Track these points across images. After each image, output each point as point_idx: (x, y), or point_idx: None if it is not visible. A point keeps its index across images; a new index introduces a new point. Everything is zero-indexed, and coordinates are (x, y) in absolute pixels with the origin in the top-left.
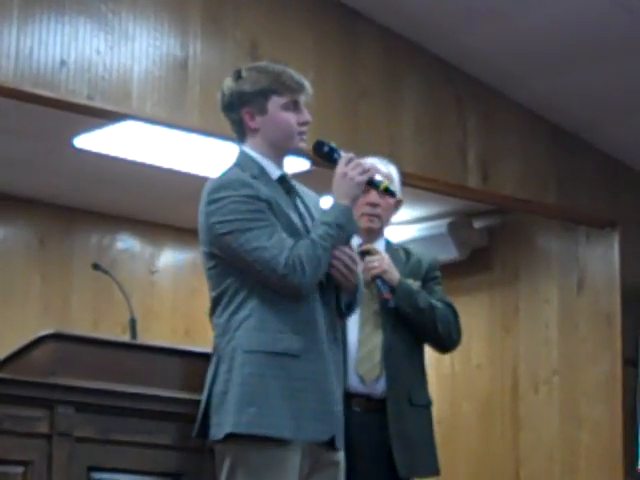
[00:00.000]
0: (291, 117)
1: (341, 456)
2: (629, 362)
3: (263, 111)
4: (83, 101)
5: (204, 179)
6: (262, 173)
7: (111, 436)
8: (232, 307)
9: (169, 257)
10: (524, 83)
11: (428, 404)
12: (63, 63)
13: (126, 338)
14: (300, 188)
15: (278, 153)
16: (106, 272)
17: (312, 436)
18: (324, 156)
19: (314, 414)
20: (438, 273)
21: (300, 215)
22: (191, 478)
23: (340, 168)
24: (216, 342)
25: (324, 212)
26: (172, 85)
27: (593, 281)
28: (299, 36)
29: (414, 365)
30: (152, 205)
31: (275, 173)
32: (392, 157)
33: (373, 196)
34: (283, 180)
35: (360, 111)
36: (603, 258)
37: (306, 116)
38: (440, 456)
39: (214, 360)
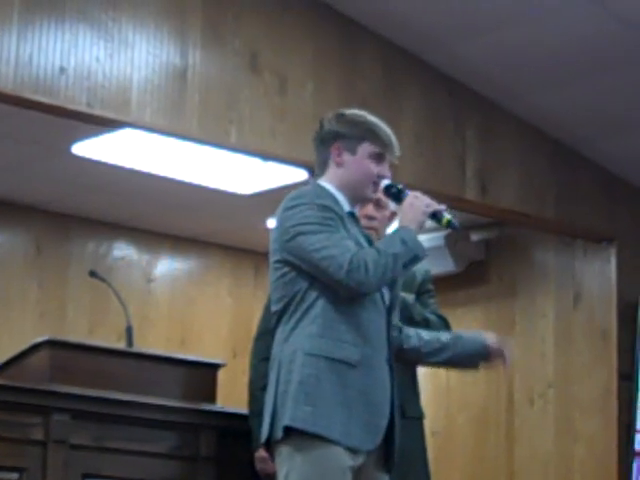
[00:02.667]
0: (374, 167)
1: (385, 475)
2: (624, 377)
3: (352, 151)
4: (82, 108)
5: (202, 188)
6: (336, 203)
7: (106, 443)
8: (298, 314)
9: (166, 265)
10: (523, 97)
11: (421, 417)
12: (62, 70)
13: (122, 346)
14: None
15: (352, 195)
16: (103, 280)
17: (358, 444)
18: (392, 196)
19: (362, 423)
20: (431, 286)
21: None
22: None
23: (408, 200)
24: (276, 350)
25: (389, 234)
26: (171, 93)
27: (589, 295)
28: (299, 46)
29: (407, 377)
30: (150, 213)
31: (346, 208)
32: (391, 168)
33: (370, 209)
34: (352, 215)
35: None
36: (600, 273)
37: (387, 172)
38: (435, 468)
39: (274, 366)
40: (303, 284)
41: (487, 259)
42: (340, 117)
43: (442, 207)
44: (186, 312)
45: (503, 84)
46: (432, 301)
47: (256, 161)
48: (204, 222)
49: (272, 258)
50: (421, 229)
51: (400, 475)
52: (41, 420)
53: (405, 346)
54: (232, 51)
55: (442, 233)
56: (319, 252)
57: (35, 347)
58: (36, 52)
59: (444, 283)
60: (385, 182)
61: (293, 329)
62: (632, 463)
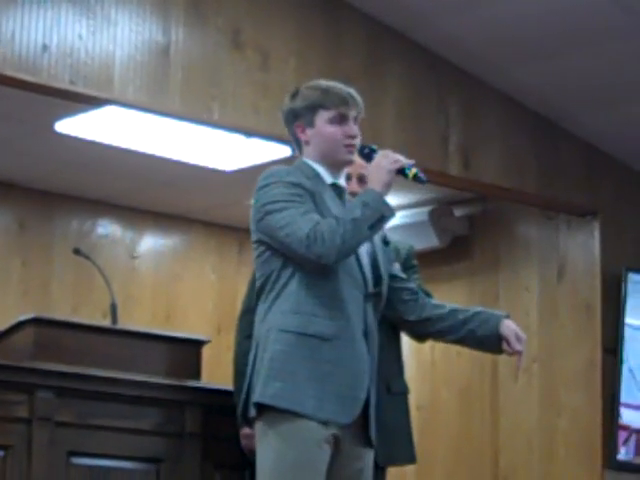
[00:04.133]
0: (336, 130)
1: (367, 452)
2: (609, 350)
3: (312, 124)
4: (65, 86)
5: (185, 165)
6: (316, 176)
7: (91, 421)
8: (274, 293)
9: (150, 243)
10: (506, 71)
11: (405, 392)
12: (45, 48)
13: (106, 323)
14: None
15: (330, 164)
16: (87, 257)
17: (332, 417)
18: (366, 157)
19: (337, 397)
20: (415, 261)
21: None
22: (171, 463)
23: (375, 161)
24: (255, 329)
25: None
26: (154, 71)
27: (573, 269)
28: (282, 23)
29: (392, 353)
30: (133, 190)
31: (329, 179)
32: (374, 144)
33: (353, 184)
34: (336, 186)
35: None
36: (583, 246)
37: (353, 129)
38: (419, 443)
39: (253, 345)
40: (278, 262)
41: (471, 234)
42: (293, 96)
43: (410, 162)
44: (170, 289)
45: (485, 59)
46: (416, 276)
47: (239, 137)
48: (188, 199)
49: (252, 238)
50: (389, 187)
51: (385, 450)
52: (26, 398)
53: (415, 318)
54: (214, 28)
55: (426, 209)
56: (283, 229)
57: (19, 325)
58: (18, 30)
59: (428, 258)
60: (358, 144)
61: (269, 308)
62: (616, 436)
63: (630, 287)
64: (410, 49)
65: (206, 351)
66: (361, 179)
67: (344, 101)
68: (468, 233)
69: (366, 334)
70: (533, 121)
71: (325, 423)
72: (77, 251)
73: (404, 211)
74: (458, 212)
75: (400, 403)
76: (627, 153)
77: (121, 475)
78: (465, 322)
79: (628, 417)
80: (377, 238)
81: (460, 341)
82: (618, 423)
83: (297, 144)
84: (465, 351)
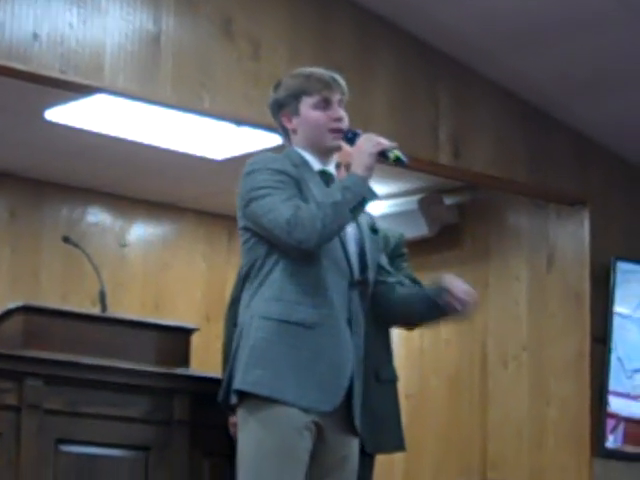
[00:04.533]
0: (321, 116)
1: (350, 440)
2: (598, 339)
3: (297, 113)
4: (55, 74)
5: (175, 153)
6: (304, 164)
7: (80, 409)
8: (259, 280)
9: (139, 231)
10: (497, 60)
11: (394, 379)
12: (35, 36)
13: (96, 311)
14: None
15: (318, 150)
16: (76, 245)
17: (314, 405)
18: (349, 141)
19: (319, 385)
20: (405, 249)
21: None
22: (160, 451)
23: (357, 144)
24: (240, 315)
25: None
26: (144, 59)
27: (563, 258)
28: (272, 12)
29: (381, 341)
30: (123, 179)
31: (317, 166)
32: (364, 132)
33: (342, 173)
34: (324, 173)
35: None
36: (573, 235)
37: (337, 112)
38: (408, 431)
39: (237, 332)
40: (263, 250)
41: (460, 223)
42: (276, 87)
43: (393, 144)
44: (160, 277)
45: (477, 48)
46: (406, 265)
47: (230, 126)
48: (178, 187)
49: (238, 225)
50: (371, 170)
51: (374, 438)
52: (15, 385)
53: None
54: (205, 17)
55: (415, 197)
56: (266, 215)
57: (8, 313)
58: (9, 19)
59: (418, 247)
60: (345, 126)
61: (253, 295)
62: (604, 424)
63: (619, 276)
64: (401, 38)
65: (195, 339)
66: (349, 167)
67: (327, 85)
68: (458, 222)
69: (350, 322)
70: (524, 110)
71: (306, 411)
72: (66, 239)
73: (394, 199)
74: (448, 201)
75: (389, 391)
76: (617, 142)
77: (109, 463)
78: (418, 293)
79: (616, 405)
80: (365, 226)
81: (418, 311)
82: (606, 411)
83: (285, 134)
84: (454, 339)
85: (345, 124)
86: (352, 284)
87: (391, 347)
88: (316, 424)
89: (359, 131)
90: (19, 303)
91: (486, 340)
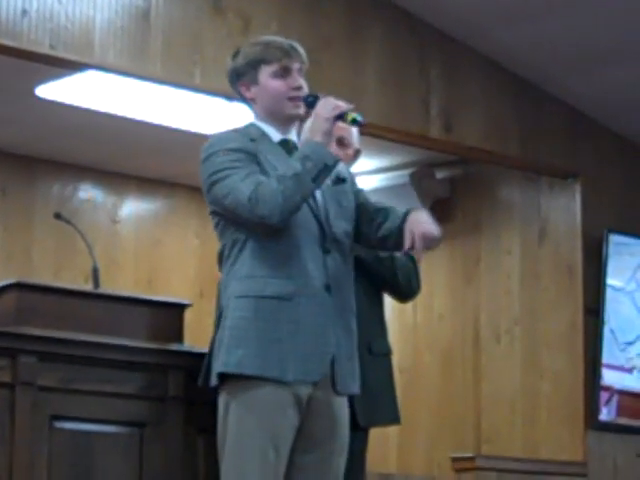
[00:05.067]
0: (280, 84)
1: (338, 405)
2: (591, 312)
3: (256, 81)
4: (45, 51)
5: (166, 129)
6: (263, 136)
7: (74, 385)
8: (231, 260)
9: (132, 207)
10: (488, 34)
11: (388, 353)
12: (25, 13)
13: (89, 288)
14: None
15: (278, 119)
16: (68, 222)
17: (300, 376)
18: (309, 105)
19: (303, 356)
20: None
21: None
22: (154, 427)
23: (314, 110)
24: (220, 297)
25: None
26: (134, 35)
27: (555, 231)
28: None
29: (374, 314)
30: (114, 155)
31: (277, 137)
32: (356, 107)
33: (333, 148)
34: (285, 143)
35: (324, 62)
36: (565, 208)
37: (297, 81)
38: (401, 406)
39: (217, 315)
40: (232, 230)
41: (452, 197)
42: (234, 55)
43: (349, 106)
44: (153, 253)
45: (468, 22)
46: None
47: (221, 101)
48: (169, 163)
49: (208, 210)
50: (329, 135)
51: (368, 412)
52: (8, 362)
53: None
54: None
55: (407, 171)
56: (227, 197)
57: (1, 290)
58: None
59: None
60: (303, 94)
61: (228, 276)
62: (598, 397)
63: (611, 248)
64: (391, 12)
65: (188, 315)
66: (340, 141)
67: (286, 53)
68: (450, 196)
69: (329, 287)
70: (515, 84)
71: (293, 384)
72: (58, 216)
73: (385, 174)
74: (439, 174)
75: (382, 364)
76: (608, 116)
77: (104, 439)
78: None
79: (610, 378)
80: (327, 182)
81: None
82: (600, 384)
83: (247, 105)
84: (447, 314)
85: (304, 92)
86: (326, 249)
87: (384, 320)
88: (303, 398)
89: (319, 95)
90: (11, 280)
91: (479, 314)
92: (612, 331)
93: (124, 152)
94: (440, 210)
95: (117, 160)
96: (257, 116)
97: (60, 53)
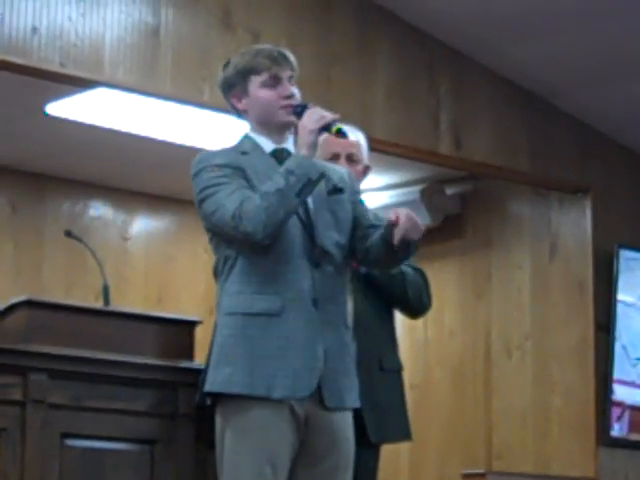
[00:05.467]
0: (271, 94)
1: (338, 419)
2: (601, 327)
3: (246, 92)
4: (55, 68)
5: (176, 146)
6: (255, 148)
7: (84, 403)
8: (223, 277)
9: (142, 224)
10: (496, 49)
11: (399, 369)
12: (35, 30)
13: (99, 305)
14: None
15: (271, 129)
16: (78, 239)
17: (289, 393)
18: (298, 115)
19: (293, 371)
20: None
21: None
22: (165, 444)
23: (300, 122)
24: (216, 314)
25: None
26: (144, 52)
27: (565, 247)
28: (272, 3)
29: (384, 330)
30: (124, 172)
31: (269, 147)
32: (365, 123)
33: (342, 165)
34: (280, 152)
35: (333, 77)
36: (575, 224)
37: (287, 89)
38: (413, 422)
39: (212, 331)
40: (224, 247)
41: (463, 212)
42: (225, 66)
43: (335, 117)
44: (163, 270)
45: (476, 37)
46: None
47: (230, 118)
48: (179, 180)
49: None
50: (314, 148)
51: (379, 428)
52: (19, 380)
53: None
54: (205, 8)
55: (417, 187)
56: (214, 215)
57: (12, 307)
58: (8, 12)
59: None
60: (295, 102)
61: (220, 291)
62: (610, 413)
63: (622, 264)
64: (400, 28)
65: (199, 332)
66: (350, 158)
67: (275, 62)
68: (460, 211)
69: (316, 302)
70: (524, 99)
71: (282, 401)
72: (68, 233)
73: (395, 190)
74: (450, 190)
75: (393, 380)
76: (618, 130)
77: (115, 456)
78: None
79: (621, 393)
80: (319, 194)
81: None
82: (611, 400)
83: (239, 116)
84: (458, 329)
85: (296, 101)
86: (316, 262)
87: (395, 336)
88: (299, 412)
89: (308, 104)
90: (22, 297)
91: (490, 330)
92: (623, 347)
93: (134, 169)
94: (451, 226)
95: (127, 177)
96: (251, 127)
97: (70, 70)
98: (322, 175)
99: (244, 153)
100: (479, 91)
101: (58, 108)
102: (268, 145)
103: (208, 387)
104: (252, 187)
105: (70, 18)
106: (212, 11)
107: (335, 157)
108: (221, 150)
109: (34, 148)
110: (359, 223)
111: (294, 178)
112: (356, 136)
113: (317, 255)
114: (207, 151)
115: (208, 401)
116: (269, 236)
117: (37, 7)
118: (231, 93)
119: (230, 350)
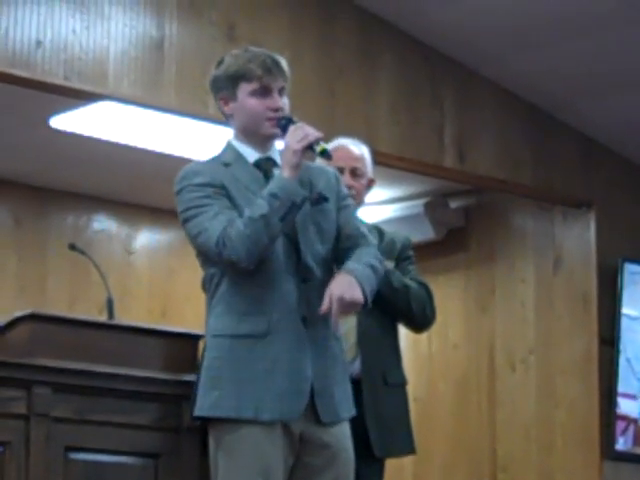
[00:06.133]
0: (258, 104)
1: (335, 432)
2: (605, 341)
3: (234, 97)
4: (59, 81)
5: (180, 159)
6: (238, 158)
7: (88, 416)
8: (210, 295)
9: (146, 238)
10: (500, 62)
11: (403, 383)
12: (39, 43)
13: (103, 319)
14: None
15: (255, 138)
16: (82, 252)
17: (277, 416)
18: (282, 129)
19: (280, 394)
20: (411, 252)
21: None
22: (168, 458)
23: (285, 139)
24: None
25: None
26: (148, 65)
27: (569, 260)
28: (275, 16)
29: (389, 345)
30: (128, 185)
31: (253, 157)
32: (368, 137)
33: (347, 179)
34: (265, 162)
35: (336, 90)
36: (579, 237)
37: (277, 102)
38: (417, 435)
39: (201, 352)
40: (210, 266)
41: (466, 226)
42: (217, 66)
43: (318, 136)
44: (167, 284)
45: (479, 50)
46: (412, 267)
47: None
48: None
49: None
50: (297, 169)
51: (384, 442)
52: (23, 394)
53: None
54: (208, 22)
55: (421, 201)
56: (197, 238)
57: (16, 321)
58: (12, 25)
59: (424, 251)
60: (281, 115)
61: (208, 311)
62: (614, 426)
63: (627, 277)
64: (403, 41)
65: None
66: (354, 172)
67: (268, 72)
68: (464, 225)
69: (305, 320)
70: (528, 112)
71: (270, 424)
72: (72, 247)
73: (399, 204)
74: (453, 204)
75: (398, 395)
76: (622, 143)
77: (119, 470)
78: None
79: (626, 407)
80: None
81: None
82: (616, 413)
83: (225, 117)
84: (462, 343)
85: (284, 114)
86: (304, 277)
87: (399, 351)
88: (292, 429)
89: (293, 119)
90: (26, 311)
91: (494, 343)
92: (628, 360)
93: (138, 182)
94: (454, 240)
95: (131, 191)
96: (234, 134)
97: (74, 84)
98: (305, 199)
99: (227, 165)
100: (483, 104)
101: (62, 121)
102: (251, 155)
103: (197, 412)
104: (235, 206)
105: (74, 31)
106: (216, 24)
107: (339, 171)
108: (203, 164)
109: (38, 161)
110: (341, 233)
111: (278, 203)
112: (360, 150)
113: (303, 270)
114: (190, 166)
115: (196, 423)
116: (253, 262)
117: (41, 20)
118: (219, 95)
119: (217, 373)
